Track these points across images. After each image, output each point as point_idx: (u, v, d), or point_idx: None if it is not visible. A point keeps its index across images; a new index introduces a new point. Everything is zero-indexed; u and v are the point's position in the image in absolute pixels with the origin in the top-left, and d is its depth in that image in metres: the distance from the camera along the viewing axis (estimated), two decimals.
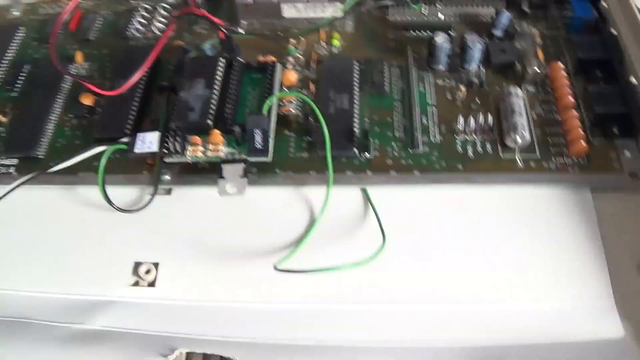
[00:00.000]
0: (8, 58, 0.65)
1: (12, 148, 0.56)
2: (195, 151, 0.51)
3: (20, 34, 0.67)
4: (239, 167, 0.50)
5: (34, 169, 0.54)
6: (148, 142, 0.51)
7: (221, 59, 0.56)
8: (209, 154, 0.51)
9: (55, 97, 0.59)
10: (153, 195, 0.52)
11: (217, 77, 0.55)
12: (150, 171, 0.53)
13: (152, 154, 0.51)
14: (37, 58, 0.65)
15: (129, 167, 0.53)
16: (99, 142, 0.53)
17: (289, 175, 0.52)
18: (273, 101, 0.53)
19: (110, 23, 0.68)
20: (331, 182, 0.50)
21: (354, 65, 0.58)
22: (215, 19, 0.56)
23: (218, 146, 0.51)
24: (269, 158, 0.51)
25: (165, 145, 0.51)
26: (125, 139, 0.53)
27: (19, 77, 0.62)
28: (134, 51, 0.61)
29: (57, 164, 0.53)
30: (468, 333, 0.46)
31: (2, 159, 0.56)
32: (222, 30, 0.56)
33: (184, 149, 0.51)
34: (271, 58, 0.58)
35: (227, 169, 0.50)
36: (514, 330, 0.46)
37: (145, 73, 0.56)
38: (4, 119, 0.59)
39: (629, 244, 0.49)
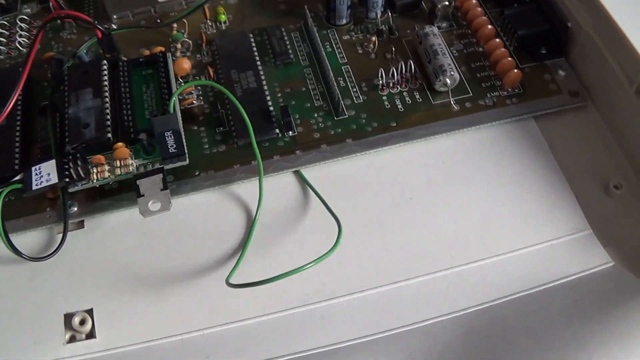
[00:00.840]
0: None
1: None
2: (101, 172, 0.45)
3: None
4: (157, 179, 0.44)
5: None
6: (45, 174, 0.44)
7: (104, 61, 0.50)
8: (118, 172, 0.45)
9: None
10: (64, 233, 0.45)
11: (104, 83, 0.48)
12: (53, 206, 0.47)
13: (53, 186, 0.44)
14: None
15: (27, 207, 0.47)
16: None
17: (211, 176, 0.47)
18: (176, 97, 0.48)
19: None
20: (262, 172, 0.45)
21: (249, 37, 0.53)
22: (87, 17, 0.50)
23: (126, 161, 0.45)
24: (187, 160, 0.45)
25: (66, 173, 0.44)
26: (17, 177, 0.46)
27: None
28: (1, 74, 0.54)
29: None
30: (454, 301, 0.42)
31: None
32: (98, 28, 0.50)
33: (87, 172, 0.45)
34: (159, 49, 0.52)
35: (143, 184, 0.44)
36: (501, 287, 0.42)
37: (19, 96, 0.49)
38: None
39: (588, 166, 0.47)
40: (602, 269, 0.42)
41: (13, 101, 0.48)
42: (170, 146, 0.44)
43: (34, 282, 0.45)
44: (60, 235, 0.45)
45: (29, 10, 0.60)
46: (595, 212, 0.44)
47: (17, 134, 0.49)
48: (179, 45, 0.53)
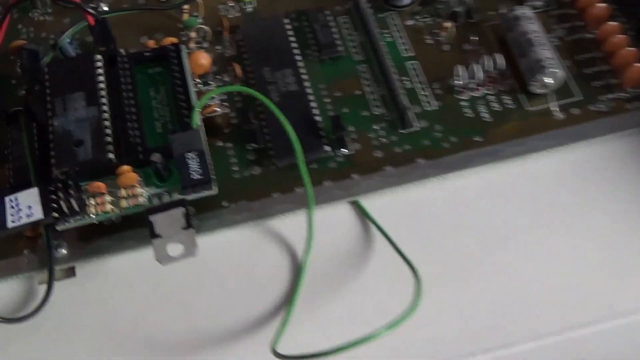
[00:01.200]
0: None
1: None
2: (101, 205, 0.46)
3: None
4: (178, 215, 0.44)
5: None
6: (24, 207, 0.45)
7: (97, 55, 0.50)
8: (124, 204, 0.46)
9: None
10: (49, 283, 0.46)
11: (100, 85, 0.49)
12: (33, 247, 0.48)
13: (36, 223, 0.45)
14: None
15: None
16: None
17: (243, 207, 0.48)
18: (204, 103, 0.49)
19: None
20: (312, 202, 0.46)
21: (284, 23, 0.54)
22: None
23: (134, 189, 0.46)
24: (214, 189, 0.46)
25: (54, 206, 0.44)
26: None
27: None
28: None
29: None
30: None
31: None
32: (88, 12, 0.50)
33: (83, 205, 0.45)
34: (169, 39, 0.53)
35: (159, 221, 0.44)
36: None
37: None
38: None
39: None
40: None
41: None
42: (194, 171, 0.45)
43: (10, 350, 0.45)
44: (44, 287, 0.46)
45: None
46: None
47: None
48: (192, 34, 0.54)
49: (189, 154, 0.45)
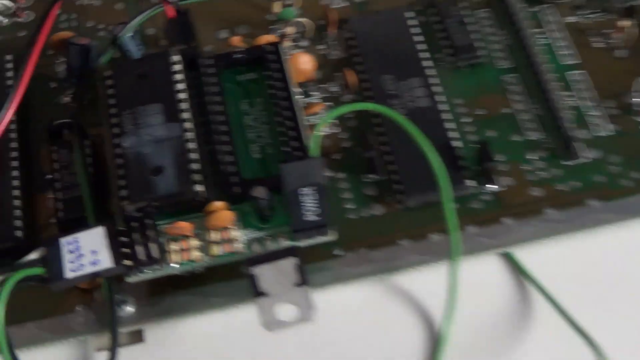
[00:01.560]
0: None
1: None
2: (187, 251, 0.47)
3: None
4: (288, 267, 0.45)
5: None
6: (88, 252, 0.46)
7: (174, 57, 0.52)
8: (216, 250, 0.47)
9: None
10: (112, 350, 0.47)
11: (181, 95, 0.51)
12: (88, 302, 0.49)
13: (101, 274, 0.46)
14: None
15: (43, 303, 0.49)
16: None
17: (363, 257, 0.49)
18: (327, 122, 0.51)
19: None
20: (458, 252, 0.47)
21: (406, 18, 0.56)
22: None
23: (229, 232, 0.47)
24: (332, 235, 0.47)
25: (124, 251, 0.46)
26: (33, 255, 0.47)
27: None
28: None
29: None
30: None
31: None
32: (169, 2, 0.52)
33: (162, 251, 0.47)
34: (267, 38, 0.55)
35: (265, 275, 0.45)
36: None
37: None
38: None
39: None
40: None
41: (7, 117, 0.49)
42: (309, 211, 0.46)
43: None
44: (104, 355, 0.47)
45: None
46: None
47: (14, 173, 0.51)
48: (288, 29, 0.56)
49: (305, 189, 0.46)
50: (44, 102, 0.56)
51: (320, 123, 0.49)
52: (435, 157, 0.47)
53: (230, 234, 0.47)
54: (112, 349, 0.47)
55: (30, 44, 0.51)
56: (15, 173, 0.52)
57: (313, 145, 0.48)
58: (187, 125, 0.50)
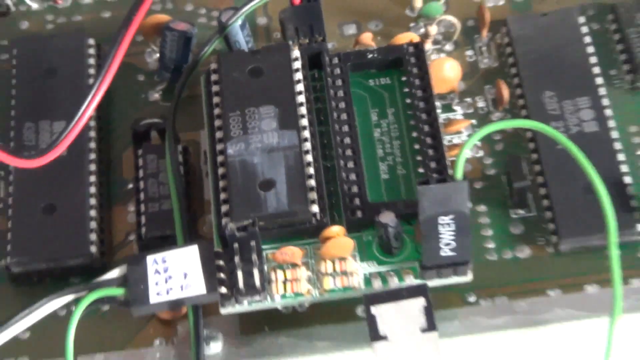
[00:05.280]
0: None
1: None
2: (294, 282, 0.51)
3: None
4: (414, 308, 0.49)
5: None
6: (177, 273, 0.50)
7: (295, 50, 0.56)
8: (329, 284, 0.51)
9: None
10: None
11: (301, 98, 0.54)
12: (167, 335, 0.54)
13: (190, 301, 0.51)
14: None
15: (117, 332, 0.54)
16: (25, 282, 0.54)
17: (501, 307, 0.53)
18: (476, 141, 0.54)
19: None
20: (619, 308, 0.49)
21: (579, 23, 0.59)
22: None
23: (347, 263, 0.51)
24: (469, 276, 0.51)
25: (221, 277, 0.50)
26: (113, 273, 0.52)
27: None
28: (42, 48, 0.61)
29: None
30: None
31: None
32: None
33: (264, 280, 0.50)
34: (407, 36, 0.58)
35: (385, 315, 0.49)
36: None
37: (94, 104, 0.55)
38: None
39: None
40: None
41: (85, 118, 0.53)
42: (446, 245, 0.49)
43: None
44: None
45: None
46: None
47: (92, 179, 0.56)
48: (432, 29, 0.59)
49: (445, 217, 0.49)
50: (130, 98, 0.60)
51: (469, 141, 0.50)
52: (604, 192, 0.49)
53: (347, 265, 0.51)
54: None
55: (122, 27, 0.54)
56: (92, 179, 0.56)
57: (458, 166, 0.49)
58: (306, 134, 0.53)
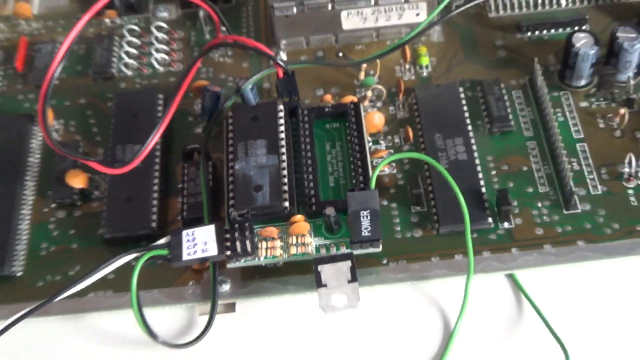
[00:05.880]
0: None
1: None
2: (272, 249, 0.52)
3: None
4: (344, 268, 0.51)
5: (9, 294, 0.55)
6: (201, 242, 0.52)
7: (280, 106, 0.57)
8: (293, 250, 0.52)
9: (22, 180, 0.60)
10: (211, 316, 0.53)
11: (282, 135, 0.56)
12: (197, 280, 0.55)
13: (209, 259, 0.52)
14: None
15: (164, 277, 0.55)
16: (112, 245, 0.56)
17: (403, 267, 0.54)
18: (385, 164, 0.56)
19: (78, 56, 0.68)
20: (471, 271, 0.52)
21: (459, 91, 0.60)
22: (269, 51, 0.58)
23: (304, 238, 0.52)
24: (380, 248, 0.52)
25: (227, 244, 0.51)
26: (162, 240, 0.53)
27: None
28: (132, 98, 0.63)
29: (49, 283, 0.55)
30: None
31: None
32: (280, 65, 0.57)
33: (254, 247, 0.52)
34: (350, 98, 0.59)
35: (327, 271, 0.51)
36: None
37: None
38: None
39: None
40: None
41: (154, 140, 0.55)
42: (365, 228, 0.51)
43: None
44: (204, 318, 0.53)
45: (165, 14, 0.70)
46: None
47: (155, 182, 0.57)
48: (368, 93, 0.61)
49: (364, 212, 0.51)
50: (182, 131, 0.61)
51: (380, 165, 0.54)
52: (462, 199, 0.52)
53: (305, 240, 0.52)
54: (211, 315, 0.53)
55: (176, 88, 0.57)
56: (155, 181, 0.57)
57: (373, 180, 0.53)
58: (283, 157, 0.54)
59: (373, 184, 0.53)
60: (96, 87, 0.65)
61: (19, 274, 0.56)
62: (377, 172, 0.54)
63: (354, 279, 0.50)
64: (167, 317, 0.54)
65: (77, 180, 0.59)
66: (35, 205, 0.59)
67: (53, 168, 0.60)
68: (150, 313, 0.52)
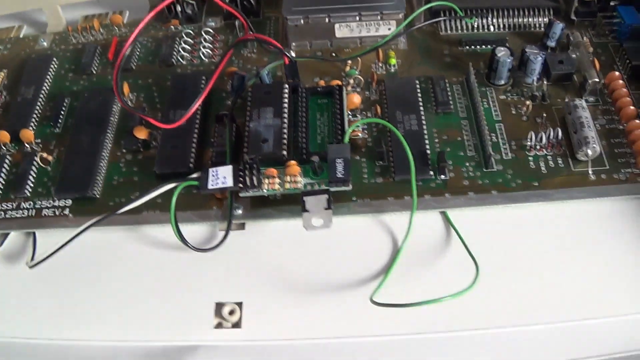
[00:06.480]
0: (45, 92, 0.62)
1: (64, 188, 0.53)
2: (272, 184, 0.49)
3: (54, 65, 0.65)
4: (322, 199, 0.48)
5: (90, 209, 0.52)
6: (221, 177, 0.49)
7: (285, 85, 0.54)
8: (287, 186, 0.49)
9: (105, 132, 0.57)
10: (227, 231, 0.50)
11: (285, 105, 0.53)
12: (220, 206, 0.52)
13: (226, 189, 0.49)
14: (75, 90, 0.63)
15: (196, 203, 0.52)
16: (161, 178, 0.52)
17: (366, 203, 0.51)
18: (353, 128, 0.53)
19: (150, 50, 0.66)
20: (414, 207, 0.49)
21: (416, 83, 0.57)
22: (278, 44, 0.56)
23: (296, 177, 0.49)
24: (350, 187, 0.49)
25: (240, 179, 0.49)
26: (194, 175, 0.51)
27: (60, 112, 0.60)
28: (183, 79, 0.60)
29: (117, 203, 0.52)
30: (568, 351, 0.46)
31: (54, 200, 0.54)
32: (286, 55, 0.55)
33: (259, 182, 0.49)
34: (336, 82, 0.57)
35: (310, 201, 0.48)
36: (608, 343, 0.47)
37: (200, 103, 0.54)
38: (50, 157, 0.56)
39: None
40: None
41: (195, 106, 0.52)
42: (339, 172, 0.48)
43: (192, 270, 0.50)
44: (223, 233, 0.50)
45: (213, 24, 0.67)
46: None
47: (195, 136, 0.54)
48: (351, 81, 0.58)
49: (338, 159, 0.49)
50: (217, 102, 0.59)
51: (352, 126, 0.52)
52: (411, 156, 0.50)
53: (297, 179, 0.49)
54: (227, 231, 0.50)
55: (213, 71, 0.56)
56: (195, 136, 0.54)
57: (346, 137, 0.51)
58: (285, 120, 0.52)
59: (346, 140, 0.51)
60: (160, 72, 0.63)
61: (97, 196, 0.54)
62: (350, 131, 0.51)
63: (329, 207, 0.48)
64: (196, 231, 0.52)
65: (141, 133, 0.56)
66: (112, 150, 0.57)
67: (126, 125, 0.58)
68: (184, 228, 0.50)
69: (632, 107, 0.55)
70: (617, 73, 0.57)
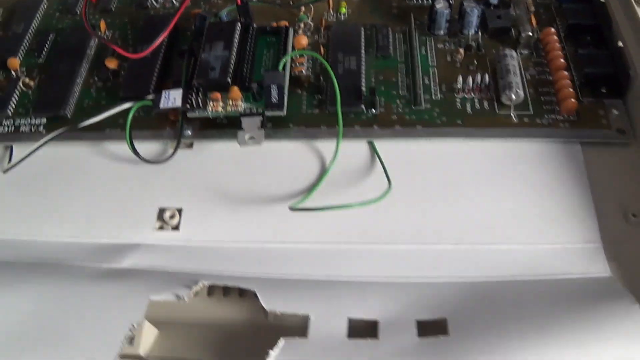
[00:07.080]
0: (34, 28, 0.69)
1: (41, 108, 0.60)
2: (216, 106, 0.54)
3: (43, 6, 0.72)
4: (257, 120, 0.53)
5: (61, 127, 0.57)
6: (172, 98, 0.54)
7: (238, 23, 0.59)
8: (229, 108, 0.54)
9: (81, 62, 0.63)
10: (176, 148, 0.55)
11: (235, 40, 0.58)
12: (172, 127, 0.57)
13: (176, 109, 0.54)
14: (60, 28, 0.69)
15: (152, 123, 0.57)
16: (125, 100, 0.57)
17: (301, 130, 0.56)
18: (288, 59, 0.57)
19: None
20: (340, 135, 0.53)
21: (361, 30, 0.62)
22: None
23: (237, 101, 0.54)
24: (283, 112, 0.54)
25: (188, 101, 0.54)
26: (150, 96, 0.56)
27: (45, 45, 0.67)
28: (154, 19, 0.66)
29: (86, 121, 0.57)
30: (466, 271, 0.49)
31: (31, 118, 0.60)
32: None
33: (205, 104, 0.54)
34: (284, 23, 0.61)
35: (246, 121, 0.53)
36: (507, 268, 0.49)
37: (166, 38, 0.59)
38: (32, 83, 0.63)
39: (616, 194, 0.52)
40: (600, 277, 0.48)
41: (160, 40, 0.57)
42: (273, 97, 0.53)
43: (142, 180, 0.55)
44: (172, 150, 0.56)
45: None
46: (609, 231, 0.50)
47: (158, 65, 0.60)
48: (302, 25, 0.62)
49: (273, 85, 0.53)
50: (182, 39, 0.64)
51: (286, 57, 0.57)
52: (337, 88, 0.55)
53: (238, 102, 0.54)
54: (175, 148, 0.55)
55: (176, 10, 0.59)
56: (157, 66, 0.60)
57: (281, 64, 0.55)
58: (233, 52, 0.57)
59: (280, 67, 0.55)
60: (136, 13, 0.68)
61: (69, 116, 0.60)
62: (284, 60, 0.56)
63: (262, 127, 0.53)
64: (150, 148, 0.57)
65: (111, 63, 0.62)
66: (85, 78, 0.63)
67: (101, 58, 0.63)
68: (140, 145, 0.56)
69: (562, 60, 0.59)
70: (552, 29, 0.62)
